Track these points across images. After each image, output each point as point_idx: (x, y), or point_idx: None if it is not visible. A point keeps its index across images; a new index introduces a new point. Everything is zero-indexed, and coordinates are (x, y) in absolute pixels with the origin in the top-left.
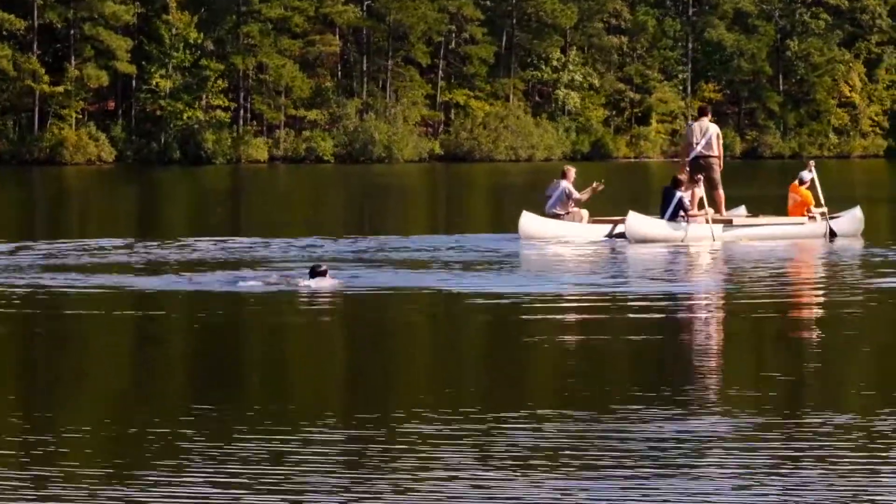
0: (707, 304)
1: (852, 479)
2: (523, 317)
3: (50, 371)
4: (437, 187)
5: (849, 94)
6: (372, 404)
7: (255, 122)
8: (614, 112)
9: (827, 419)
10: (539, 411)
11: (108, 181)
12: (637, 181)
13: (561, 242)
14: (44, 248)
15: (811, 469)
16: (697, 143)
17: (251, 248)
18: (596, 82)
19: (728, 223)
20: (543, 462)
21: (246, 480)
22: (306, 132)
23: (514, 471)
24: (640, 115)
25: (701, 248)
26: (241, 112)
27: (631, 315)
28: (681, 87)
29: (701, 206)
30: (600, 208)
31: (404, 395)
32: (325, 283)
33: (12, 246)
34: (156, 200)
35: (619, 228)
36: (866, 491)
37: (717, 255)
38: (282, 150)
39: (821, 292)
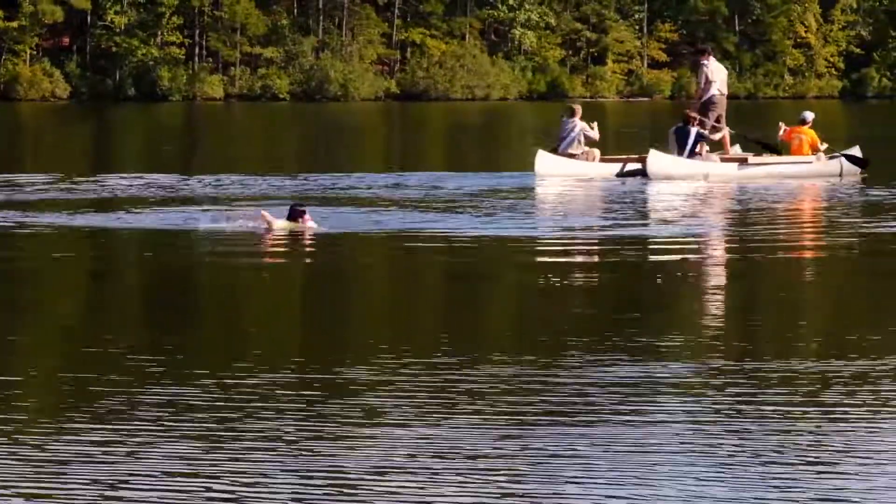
0: (704, 247)
1: (807, 424)
2: (525, 259)
3: None
4: (408, 126)
5: (804, 35)
6: (328, 350)
7: (210, 60)
8: (570, 51)
9: (784, 365)
10: (497, 356)
11: (62, 117)
12: (596, 121)
13: (578, 182)
14: None
15: (767, 415)
16: (714, 82)
17: (200, 185)
18: (552, 21)
19: (744, 161)
20: (485, 408)
21: (170, 426)
22: (262, 70)
23: (454, 417)
24: (596, 54)
25: (718, 186)
26: (197, 49)
27: (624, 257)
28: (637, 27)
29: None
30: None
31: (365, 341)
32: (302, 224)
33: None
34: (110, 137)
35: (630, 166)
36: (824, 434)
37: (733, 193)
38: (237, 87)
39: (821, 235)
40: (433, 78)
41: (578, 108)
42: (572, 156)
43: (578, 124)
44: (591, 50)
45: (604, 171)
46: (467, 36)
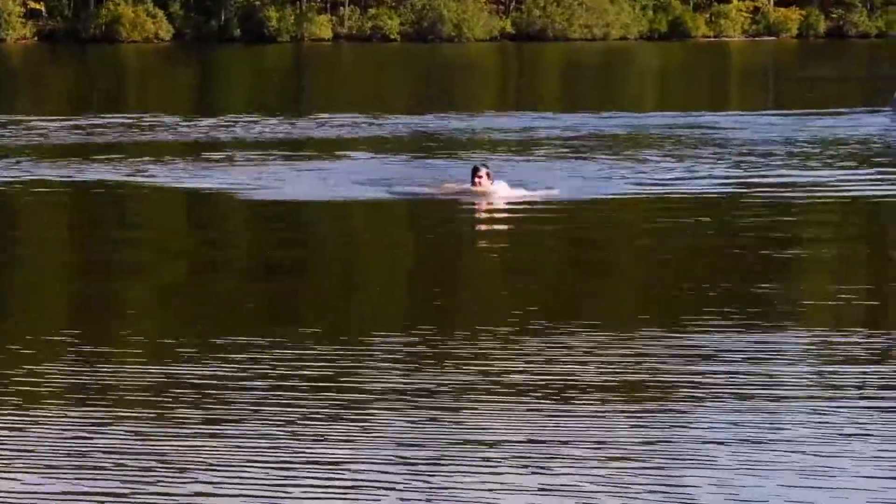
0: None
1: None
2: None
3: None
4: (552, 67)
5: None
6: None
7: None
8: None
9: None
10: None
11: (166, 60)
12: (718, 62)
13: None
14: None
15: None
16: None
17: (314, 126)
18: None
19: None
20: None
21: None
22: (372, 10)
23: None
24: None
25: None
26: None
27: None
28: None
29: None
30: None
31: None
32: (482, 186)
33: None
34: (218, 79)
35: None
36: None
37: None
38: (346, 28)
39: None
40: (550, 17)
41: None
42: None
43: None
44: None
45: None
46: None
